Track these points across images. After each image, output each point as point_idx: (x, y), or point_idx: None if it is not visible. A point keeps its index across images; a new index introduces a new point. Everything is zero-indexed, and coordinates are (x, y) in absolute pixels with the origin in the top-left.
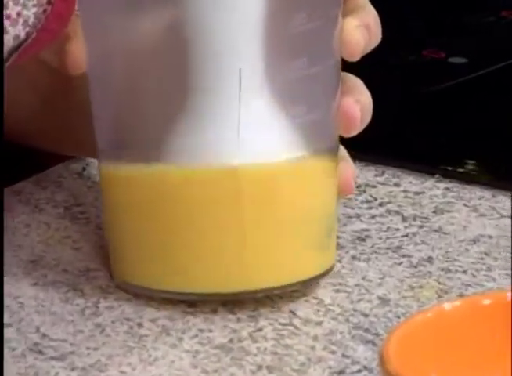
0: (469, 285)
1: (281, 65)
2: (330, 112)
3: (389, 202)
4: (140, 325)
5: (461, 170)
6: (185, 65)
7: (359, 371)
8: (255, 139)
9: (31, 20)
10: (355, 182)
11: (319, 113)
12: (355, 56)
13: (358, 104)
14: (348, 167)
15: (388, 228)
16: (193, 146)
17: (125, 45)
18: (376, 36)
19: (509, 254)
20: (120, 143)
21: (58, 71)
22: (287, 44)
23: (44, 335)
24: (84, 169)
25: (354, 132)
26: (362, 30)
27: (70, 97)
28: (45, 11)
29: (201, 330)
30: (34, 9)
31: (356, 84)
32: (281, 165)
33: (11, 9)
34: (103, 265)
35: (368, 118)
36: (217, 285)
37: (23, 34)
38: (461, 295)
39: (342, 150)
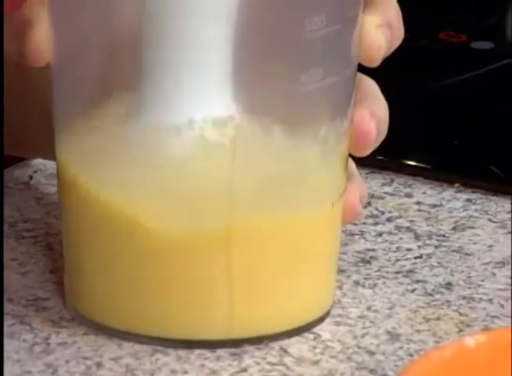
0: (496, 317)
1: (286, 77)
2: (341, 131)
3: (399, 217)
4: (99, 365)
5: (486, 178)
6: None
7: None
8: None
9: None
10: (363, 204)
11: (328, 135)
12: (374, 62)
13: (373, 118)
14: (355, 187)
15: (398, 248)
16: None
17: (105, 31)
18: (398, 35)
19: None
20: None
21: (13, 64)
22: (294, 52)
23: None
24: (31, 178)
25: (367, 152)
26: (383, 31)
27: (25, 92)
28: None
29: (174, 372)
30: None
31: (371, 90)
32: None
33: None
34: (55, 293)
35: (383, 134)
36: (197, 331)
37: None
38: (486, 329)
39: (350, 166)
